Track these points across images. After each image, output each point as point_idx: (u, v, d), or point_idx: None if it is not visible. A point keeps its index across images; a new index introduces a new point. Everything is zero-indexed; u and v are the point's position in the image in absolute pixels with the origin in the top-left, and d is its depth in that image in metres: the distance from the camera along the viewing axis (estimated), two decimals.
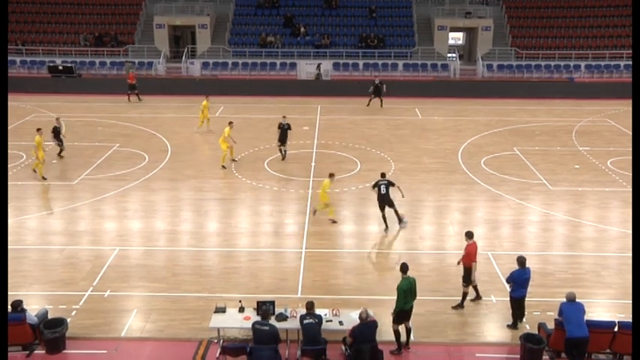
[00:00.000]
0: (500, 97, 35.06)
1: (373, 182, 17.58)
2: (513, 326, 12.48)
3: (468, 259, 13.03)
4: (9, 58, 40.79)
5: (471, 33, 44.75)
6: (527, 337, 11.46)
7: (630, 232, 16.45)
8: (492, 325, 12.78)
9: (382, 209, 17.28)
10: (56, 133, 23.40)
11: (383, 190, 17.14)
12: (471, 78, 40.44)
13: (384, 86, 32.84)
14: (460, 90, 36.32)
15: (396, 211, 17.35)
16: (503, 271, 14.34)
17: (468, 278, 13.12)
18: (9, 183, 20.68)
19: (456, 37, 47.53)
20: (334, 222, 17.75)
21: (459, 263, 13.39)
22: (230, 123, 22.77)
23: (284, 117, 23.41)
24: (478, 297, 13.51)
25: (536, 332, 11.94)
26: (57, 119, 24.00)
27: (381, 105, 32.53)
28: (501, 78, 39.84)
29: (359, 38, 42.01)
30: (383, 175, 17.73)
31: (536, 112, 31.89)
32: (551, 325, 11.77)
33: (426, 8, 44.19)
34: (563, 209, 18.92)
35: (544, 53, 41.02)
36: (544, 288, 14.06)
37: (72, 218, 18.06)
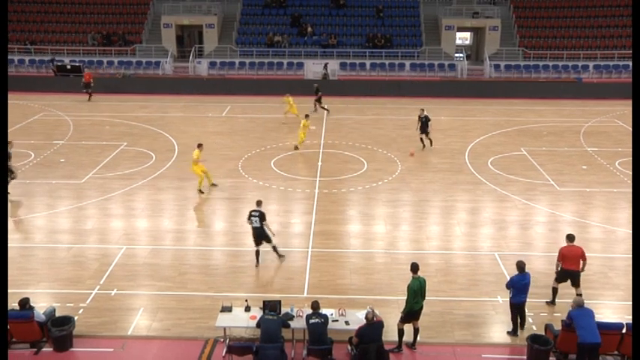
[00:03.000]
0: (508, 97, 34.96)
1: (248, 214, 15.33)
2: (513, 333, 12.38)
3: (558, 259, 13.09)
4: (18, 57, 41.07)
5: (478, 33, 44.65)
6: (533, 338, 11.42)
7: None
8: (499, 326, 12.73)
9: (257, 244, 15.07)
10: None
11: (255, 222, 14.96)
12: (478, 78, 40.34)
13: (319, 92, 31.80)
14: (467, 90, 36.24)
15: (273, 248, 15.20)
16: (509, 272, 14.29)
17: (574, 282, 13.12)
18: (17, 181, 20.79)
19: (464, 37, 47.45)
20: (201, 192, 19.63)
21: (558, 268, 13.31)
22: (199, 145, 20.18)
23: (422, 110, 24.86)
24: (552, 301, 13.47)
25: (543, 333, 11.88)
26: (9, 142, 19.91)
27: (320, 107, 31.32)
28: (509, 78, 39.74)
29: (366, 38, 41.99)
30: (258, 203, 15.36)
31: (543, 113, 31.77)
32: (558, 327, 11.72)
33: (433, 8, 44.12)
34: (571, 210, 18.84)
35: (552, 53, 40.88)
36: (551, 289, 13.97)
37: (79, 217, 18.13)
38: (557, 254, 13.19)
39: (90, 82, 33.82)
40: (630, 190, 20.25)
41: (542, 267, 15.06)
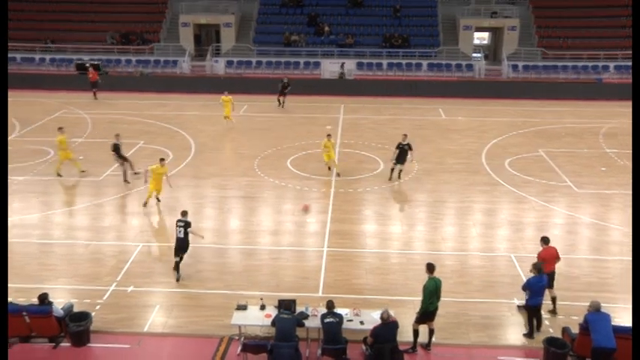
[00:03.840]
0: (526, 97, 34.67)
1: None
2: (529, 335, 12.28)
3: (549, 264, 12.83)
4: (39, 56, 41.57)
5: (496, 33, 44.31)
6: (550, 341, 11.32)
7: None
8: (515, 328, 12.64)
9: (176, 255, 14.37)
10: (117, 150, 20.89)
11: (180, 233, 14.30)
12: (495, 78, 40.04)
13: (289, 87, 32.07)
14: (485, 90, 35.99)
15: (179, 262, 14.44)
16: (526, 274, 14.17)
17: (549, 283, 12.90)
18: (36, 178, 21.08)
19: (481, 37, 47.11)
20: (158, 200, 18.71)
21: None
22: (161, 160, 18.91)
23: (405, 135, 21.23)
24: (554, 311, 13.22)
25: (560, 336, 11.78)
26: (116, 135, 21.26)
27: (283, 104, 32.03)
28: (527, 78, 39.40)
29: (383, 38, 41.88)
30: (184, 213, 14.62)
31: (562, 114, 31.46)
32: (575, 330, 11.60)
33: (451, 8, 43.87)
34: (589, 212, 18.64)
35: (571, 54, 40.42)
36: (569, 292, 13.86)
37: (97, 214, 18.31)
38: (568, 257, 13.06)
39: (97, 81, 34.12)
40: None
41: (560, 269, 14.88)
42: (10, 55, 41.51)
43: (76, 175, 21.45)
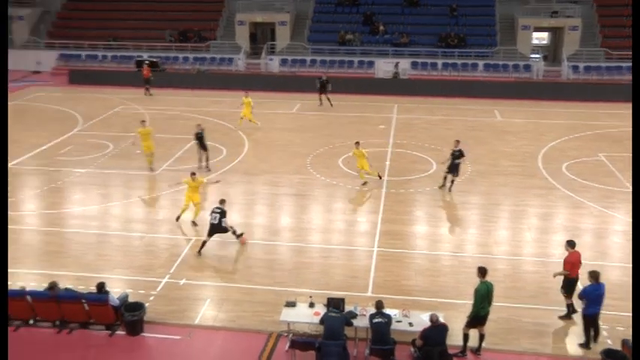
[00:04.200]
0: (587, 100, 33.50)
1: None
2: (585, 345, 11.88)
3: (575, 270, 12.57)
4: (102, 53, 42.99)
5: (556, 33, 43.04)
6: (608, 353, 10.90)
7: None
8: (570, 338, 12.27)
9: (209, 236, 15.55)
10: (200, 138, 21.91)
11: (215, 219, 15.37)
12: (554, 79, 38.90)
13: (330, 84, 31.93)
14: (543, 92, 35.01)
15: (233, 232, 15.77)
16: (583, 282, 13.71)
17: (570, 289, 12.67)
18: (96, 171, 21.81)
19: (541, 38, 45.86)
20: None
21: (557, 275, 12.91)
22: (192, 174, 17.58)
23: (457, 141, 19.90)
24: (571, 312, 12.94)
25: (620, 349, 11.34)
26: (198, 125, 22.30)
27: (330, 102, 31.65)
28: (588, 80, 38.10)
29: (439, 37, 41.33)
30: (221, 201, 15.71)
31: (625, 117, 30.18)
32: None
33: (509, 7, 42.86)
34: None
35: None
36: (629, 302, 13.29)
37: (152, 207, 18.80)
38: (629, 266, 12.56)
39: (149, 78, 34.97)
40: None
41: (618, 278, 14.41)
42: (75, 53, 43.18)
43: (136, 168, 22.07)
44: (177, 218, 17.50)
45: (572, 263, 12.52)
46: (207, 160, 22.08)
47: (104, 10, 46.25)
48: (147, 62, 38.46)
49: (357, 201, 19.39)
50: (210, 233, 15.56)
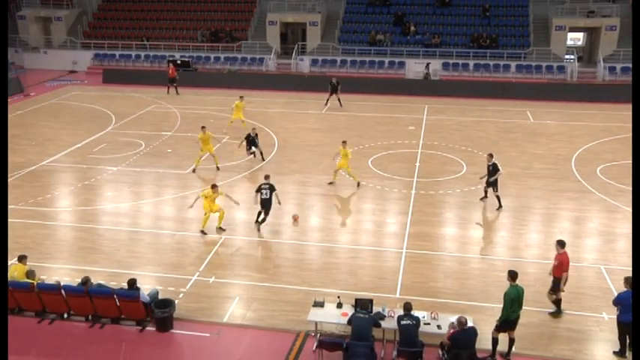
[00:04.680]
0: (623, 101, 32.73)
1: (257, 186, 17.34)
2: (620, 354, 11.62)
3: (560, 269, 12.59)
4: (135, 52, 43.68)
5: (592, 33, 42.21)
6: None
7: None
8: (604, 345, 12.01)
9: (262, 207, 17.11)
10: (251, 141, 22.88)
11: (265, 194, 16.95)
12: (589, 81, 38.15)
13: (340, 85, 31.97)
14: (577, 93, 34.37)
15: (263, 220, 17.17)
16: (617, 287, 13.45)
17: (555, 289, 12.78)
18: (128, 169, 22.17)
19: (575, 38, 45.04)
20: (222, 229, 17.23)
21: (550, 274, 12.92)
22: (213, 187, 17.13)
23: (490, 156, 18.93)
24: (559, 311, 12.92)
25: None
26: (253, 129, 23.30)
27: (338, 103, 31.77)
28: (625, 81, 37.23)
29: (470, 38, 40.92)
30: (267, 177, 17.49)
31: None
32: None
33: (544, 7, 42.19)
34: None
35: None
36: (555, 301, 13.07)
37: (183, 205, 19.01)
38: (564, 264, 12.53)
39: (175, 77, 35.36)
40: None
41: None
42: (109, 52, 43.97)
43: (167, 167, 22.37)
44: (202, 231, 16.97)
45: (565, 263, 12.56)
46: (261, 154, 23.18)
47: (138, 10, 46.99)
48: (171, 62, 38.99)
49: (387, 202, 19.30)
50: (263, 207, 17.02)
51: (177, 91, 35.20)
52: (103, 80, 39.13)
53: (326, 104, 32.15)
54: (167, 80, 35.53)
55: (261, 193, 16.98)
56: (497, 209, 18.49)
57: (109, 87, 37.80)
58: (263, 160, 23.09)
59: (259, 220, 17.19)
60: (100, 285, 12.93)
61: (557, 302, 12.96)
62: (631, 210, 18.15)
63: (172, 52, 42.93)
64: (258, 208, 17.09)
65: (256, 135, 23.04)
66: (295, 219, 17.82)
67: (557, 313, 12.95)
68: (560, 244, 12.75)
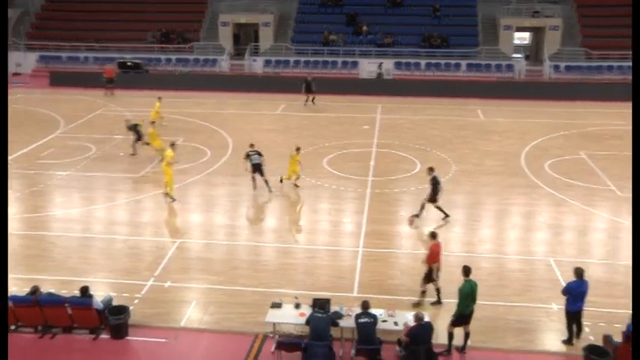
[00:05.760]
0: (568, 99, 33.86)
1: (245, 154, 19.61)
2: (568, 341, 12.00)
3: (431, 259, 13.01)
4: (84, 54, 42.61)
5: (538, 33, 43.46)
6: (591, 349, 11.02)
7: None
8: (553, 334, 12.38)
9: (254, 172, 19.44)
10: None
11: (255, 159, 19.38)
12: (536, 79, 39.29)
13: (313, 83, 32.47)
14: (525, 91, 35.32)
15: (266, 181, 19.50)
16: (565, 279, 13.86)
17: (428, 278, 13.14)
18: (78, 174, 21.62)
19: (522, 37, 46.26)
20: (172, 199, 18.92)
21: (423, 263, 13.28)
22: (172, 145, 19.58)
23: (431, 169, 17.94)
24: (439, 301, 13.25)
25: (601, 344, 11.47)
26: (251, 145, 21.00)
27: (313, 101, 32.31)
28: (570, 79, 38.48)
29: (422, 37, 41.53)
30: (252, 145, 19.90)
31: (606, 115, 30.65)
32: (618, 338, 11.28)
33: (491, 7, 43.18)
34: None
35: (617, 54, 39.34)
36: (611, 298, 13.52)
37: (136, 210, 18.67)
38: (610, 263, 12.74)
39: (112, 78, 34.77)
40: None
41: (601, 275, 14.59)
42: (56, 54, 42.75)
43: (119, 171, 21.92)
44: (172, 199, 18.80)
45: (437, 253, 12.99)
46: (266, 183, 20.04)
47: (84, 11, 45.78)
48: (109, 63, 38.32)
49: (342, 201, 19.40)
50: (256, 171, 19.28)
51: (112, 93, 34.66)
52: (49, 83, 38.02)
53: (305, 104, 32.29)
54: (105, 81, 34.89)
55: (251, 159, 19.17)
56: (444, 218, 17.72)
57: (56, 90, 36.76)
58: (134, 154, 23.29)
59: (267, 185, 19.48)
60: (50, 294, 12.55)
61: (437, 291, 13.27)
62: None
63: (122, 53, 42.04)
64: (210, 211, 16.92)
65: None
66: (410, 222, 17.24)
67: (438, 303, 13.22)
68: (432, 235, 13.22)
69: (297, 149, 20.18)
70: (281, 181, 20.22)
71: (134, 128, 23.56)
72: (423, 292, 13.28)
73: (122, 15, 45.23)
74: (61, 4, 46.80)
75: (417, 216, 17.61)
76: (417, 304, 13.14)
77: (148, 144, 23.14)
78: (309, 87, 32.27)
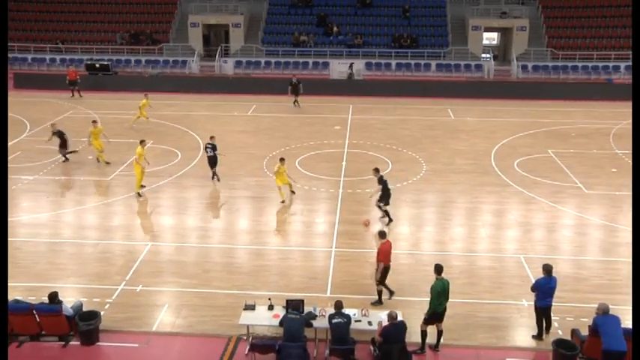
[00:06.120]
0: (535, 98, 34.50)
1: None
2: (538, 337, 12.22)
3: (380, 257, 13.13)
4: (49, 56, 41.85)
5: (505, 33, 44.18)
6: (559, 343, 11.26)
7: None
8: (523, 330, 12.58)
9: (212, 168, 20.61)
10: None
11: (209, 152, 20.43)
12: (505, 79, 39.92)
13: (301, 85, 32.57)
14: (494, 91, 35.85)
15: (214, 172, 20.69)
16: (535, 275, 14.10)
17: (382, 277, 13.23)
18: (47, 177, 21.22)
19: (491, 38, 46.99)
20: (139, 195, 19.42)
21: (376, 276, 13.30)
22: (142, 142, 20.10)
23: (376, 170, 17.86)
24: (380, 301, 13.39)
25: (569, 338, 11.71)
26: (211, 137, 21.28)
27: (297, 104, 32.31)
28: (537, 79, 39.24)
29: (392, 38, 41.85)
30: (212, 137, 20.83)
31: (572, 114, 31.30)
32: (584, 332, 11.53)
33: (460, 8, 43.78)
34: (599, 213, 18.52)
35: (581, 54, 40.23)
36: (578, 293, 13.80)
37: (106, 213, 18.39)
38: (577, 259, 12.99)
39: (76, 80, 34.36)
40: None
41: (569, 271, 14.88)
42: (21, 56, 41.92)
43: (88, 174, 21.57)
44: (139, 195, 19.48)
45: (385, 253, 13.09)
46: (214, 174, 20.93)
47: (50, 11, 45.07)
48: (72, 65, 37.75)
49: (315, 202, 19.42)
50: (211, 165, 20.57)
51: (79, 94, 34.27)
52: (14, 85, 37.23)
53: (295, 104, 32.21)
54: (68, 84, 34.41)
55: (207, 152, 20.33)
56: (387, 224, 17.39)
57: (21, 92, 36.00)
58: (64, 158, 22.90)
59: (214, 175, 20.68)
60: (16, 301, 12.28)
61: (379, 292, 13.38)
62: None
63: (90, 55, 41.44)
64: (191, 212, 16.79)
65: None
66: (366, 224, 16.34)
67: (378, 303, 13.31)
68: (381, 234, 13.32)
69: (281, 160, 18.94)
70: (293, 192, 19.50)
71: (59, 134, 22.96)
72: (380, 292, 13.38)
73: (90, 16, 44.62)
74: (25, 4, 45.89)
75: (390, 220, 17.56)
76: (376, 303, 13.22)
77: (91, 144, 22.83)
78: (295, 88, 32.21)
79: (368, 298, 13.52)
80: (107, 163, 22.46)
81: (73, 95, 34.23)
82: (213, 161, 20.53)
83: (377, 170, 17.75)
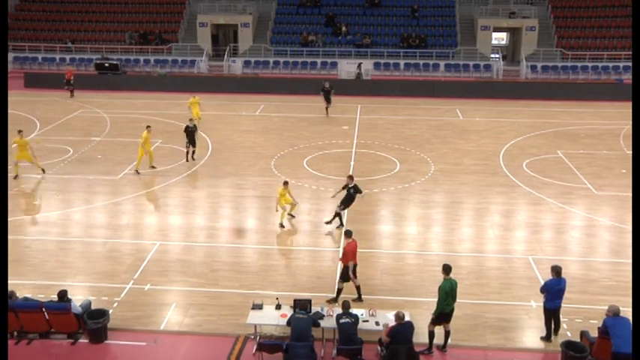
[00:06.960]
0: (545, 98, 34.35)
1: None
2: (546, 338, 12.15)
3: (345, 258, 13.14)
4: (59, 56, 42.09)
5: (514, 33, 44.01)
6: (568, 345, 11.19)
7: None
8: (532, 331, 12.52)
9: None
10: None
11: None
12: (514, 79, 39.75)
13: (333, 91, 30.47)
14: (503, 91, 35.73)
15: (194, 151, 22.71)
16: (543, 276, 14.05)
17: (344, 276, 13.22)
18: (56, 176, 21.34)
19: (500, 38, 46.83)
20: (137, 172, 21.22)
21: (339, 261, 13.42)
22: (148, 127, 21.89)
23: (350, 177, 17.42)
24: (359, 298, 13.34)
25: (579, 340, 11.64)
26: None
27: (327, 112, 30.33)
28: (546, 79, 39.06)
29: (400, 38, 41.78)
30: (191, 120, 22.87)
31: (581, 115, 31.13)
32: (594, 334, 11.47)
33: (469, 8, 43.65)
34: (609, 214, 18.41)
35: (591, 54, 40.00)
36: (587, 295, 13.72)
37: (115, 212, 18.47)
38: (587, 260, 12.90)
39: (71, 80, 34.51)
40: None
41: (578, 272, 14.79)
42: (31, 55, 42.17)
43: (97, 173, 21.68)
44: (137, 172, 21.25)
45: (352, 252, 13.11)
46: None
47: (60, 11, 45.32)
48: (69, 65, 37.92)
49: (323, 202, 19.41)
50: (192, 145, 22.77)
51: (72, 94, 34.34)
52: (24, 84, 37.47)
53: (327, 112, 30.45)
54: (64, 84, 34.59)
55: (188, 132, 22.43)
56: (338, 227, 17.07)
57: (31, 91, 36.24)
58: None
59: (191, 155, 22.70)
60: (26, 299, 12.37)
61: (358, 288, 13.36)
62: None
63: (99, 54, 41.63)
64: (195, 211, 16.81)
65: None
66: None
67: (358, 300, 13.29)
68: (347, 234, 13.33)
69: (285, 183, 17.68)
70: (292, 216, 18.03)
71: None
72: (340, 290, 13.35)
73: (99, 15, 44.85)
74: (35, 4, 46.19)
75: (341, 224, 17.23)
76: (331, 301, 13.18)
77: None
78: (327, 95, 30.18)
79: (375, 299, 13.51)
80: (43, 170, 21.29)
81: (71, 95, 34.37)
82: (192, 140, 22.54)
83: (351, 178, 17.27)
